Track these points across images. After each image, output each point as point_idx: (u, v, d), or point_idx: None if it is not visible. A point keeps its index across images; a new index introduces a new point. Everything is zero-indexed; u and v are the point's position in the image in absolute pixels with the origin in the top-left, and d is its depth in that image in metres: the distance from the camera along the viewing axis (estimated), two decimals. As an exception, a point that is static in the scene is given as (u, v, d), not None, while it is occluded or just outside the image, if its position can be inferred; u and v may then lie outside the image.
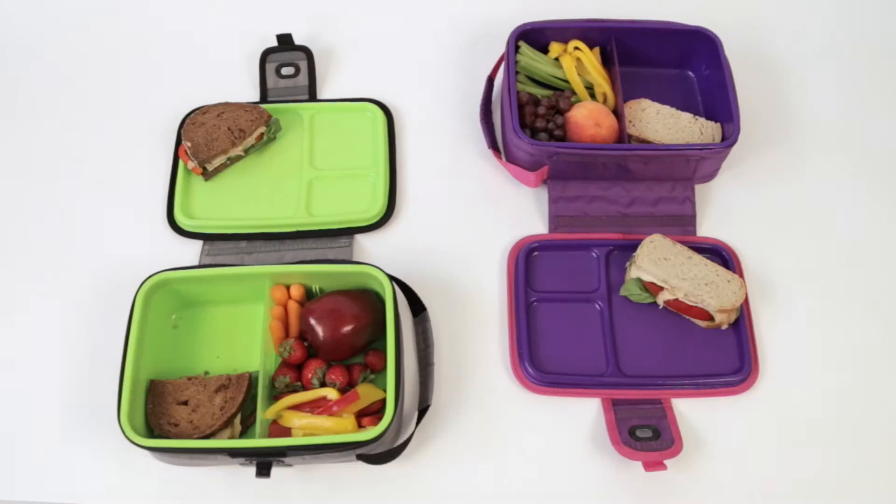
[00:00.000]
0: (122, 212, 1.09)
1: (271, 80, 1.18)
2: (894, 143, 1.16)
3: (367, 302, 0.95)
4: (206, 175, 1.08)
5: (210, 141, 1.07)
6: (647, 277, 0.99)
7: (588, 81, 1.13)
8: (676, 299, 0.98)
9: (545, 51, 1.14)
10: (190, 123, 1.09)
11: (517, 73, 1.12)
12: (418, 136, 1.15)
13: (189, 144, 1.06)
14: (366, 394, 0.91)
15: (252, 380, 0.93)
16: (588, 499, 0.92)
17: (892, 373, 0.99)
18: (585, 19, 1.12)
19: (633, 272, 1.00)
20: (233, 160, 1.10)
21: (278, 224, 1.06)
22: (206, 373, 0.96)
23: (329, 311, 0.93)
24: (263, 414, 0.91)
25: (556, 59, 1.12)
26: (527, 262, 1.03)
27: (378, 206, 1.07)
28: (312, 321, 0.93)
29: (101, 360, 0.97)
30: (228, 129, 1.08)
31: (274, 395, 0.94)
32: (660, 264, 0.98)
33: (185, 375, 0.95)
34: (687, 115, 1.09)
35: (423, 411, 0.93)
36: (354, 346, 0.94)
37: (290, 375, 0.94)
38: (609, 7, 1.18)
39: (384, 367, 0.94)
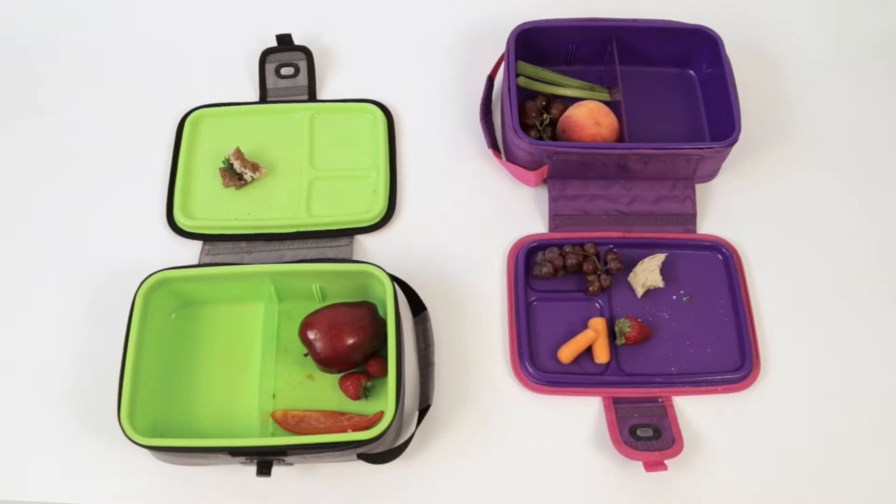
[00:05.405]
0: (122, 212, 1.08)
1: (271, 80, 1.18)
2: (894, 142, 1.16)
3: (367, 315, 0.94)
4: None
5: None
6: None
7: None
8: None
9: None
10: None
11: (517, 73, 1.12)
12: (418, 136, 1.15)
13: None
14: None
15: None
16: (588, 498, 0.92)
17: (893, 370, 0.99)
18: (585, 18, 1.12)
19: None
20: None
21: (278, 224, 1.05)
22: None
23: (329, 327, 0.92)
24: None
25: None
26: (527, 261, 1.03)
27: (378, 207, 1.07)
28: (311, 336, 0.92)
29: (101, 359, 0.97)
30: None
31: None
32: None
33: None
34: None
35: (423, 411, 0.93)
36: (354, 362, 0.93)
37: None
38: (609, 6, 1.17)
39: (385, 374, 0.94)
